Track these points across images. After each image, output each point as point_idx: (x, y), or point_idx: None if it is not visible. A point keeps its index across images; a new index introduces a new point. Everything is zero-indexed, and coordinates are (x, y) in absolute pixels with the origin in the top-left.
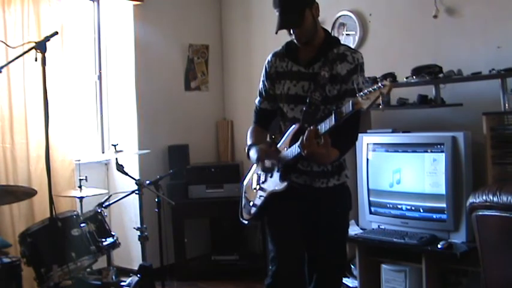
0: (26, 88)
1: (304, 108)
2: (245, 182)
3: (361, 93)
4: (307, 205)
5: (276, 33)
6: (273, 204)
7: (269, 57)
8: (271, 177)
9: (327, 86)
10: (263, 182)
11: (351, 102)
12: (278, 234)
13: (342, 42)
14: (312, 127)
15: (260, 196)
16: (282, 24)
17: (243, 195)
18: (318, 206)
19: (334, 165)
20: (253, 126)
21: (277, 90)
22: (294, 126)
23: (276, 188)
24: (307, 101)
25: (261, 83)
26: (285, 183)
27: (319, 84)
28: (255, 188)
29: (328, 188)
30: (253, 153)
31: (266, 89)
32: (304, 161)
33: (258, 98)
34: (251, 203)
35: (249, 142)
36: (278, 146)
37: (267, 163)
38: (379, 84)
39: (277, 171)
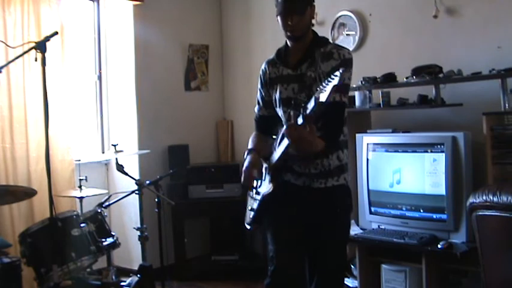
0: (26, 88)
1: (289, 111)
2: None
3: (320, 87)
4: (307, 206)
5: (277, 16)
6: (270, 207)
7: (263, 66)
8: (264, 180)
9: (314, 86)
10: (259, 186)
11: (313, 97)
12: (277, 234)
13: (341, 42)
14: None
15: (256, 200)
16: (286, 8)
17: (247, 201)
18: (318, 206)
19: (334, 166)
20: (255, 133)
21: (272, 95)
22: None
23: (266, 191)
24: (292, 102)
25: (258, 91)
26: (271, 185)
27: (305, 85)
28: (253, 193)
29: (327, 188)
30: (245, 163)
31: (263, 96)
32: (301, 164)
33: (257, 106)
34: (250, 208)
35: (249, 147)
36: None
37: (254, 173)
38: (332, 76)
39: (268, 174)
